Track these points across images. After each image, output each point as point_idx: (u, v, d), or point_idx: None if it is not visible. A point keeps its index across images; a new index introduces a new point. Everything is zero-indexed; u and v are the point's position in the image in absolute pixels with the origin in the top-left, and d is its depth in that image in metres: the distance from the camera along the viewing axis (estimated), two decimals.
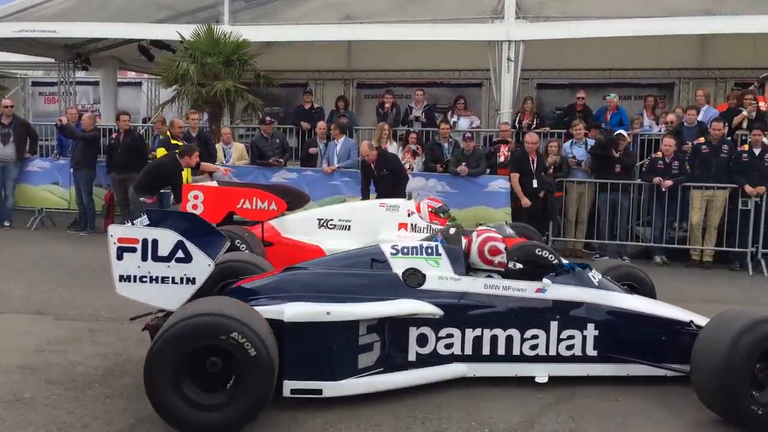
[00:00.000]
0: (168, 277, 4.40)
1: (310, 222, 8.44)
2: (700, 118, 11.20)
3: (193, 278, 4.42)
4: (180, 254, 4.39)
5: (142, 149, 11.50)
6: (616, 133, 10.67)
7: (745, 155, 10.14)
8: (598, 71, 15.15)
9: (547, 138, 11.82)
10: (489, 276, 5.09)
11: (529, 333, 4.94)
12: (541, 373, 4.98)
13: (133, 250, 4.36)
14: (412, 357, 4.79)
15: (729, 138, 10.71)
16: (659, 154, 10.48)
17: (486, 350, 4.90)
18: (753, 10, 11.93)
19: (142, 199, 8.50)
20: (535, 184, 10.33)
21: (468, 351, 4.87)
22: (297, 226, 8.37)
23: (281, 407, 4.35)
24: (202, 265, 4.43)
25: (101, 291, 7.62)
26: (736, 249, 10.05)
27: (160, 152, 10.39)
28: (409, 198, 8.91)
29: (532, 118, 12.38)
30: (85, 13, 14.07)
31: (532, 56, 12.52)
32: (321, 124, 12.12)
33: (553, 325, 4.96)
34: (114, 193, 11.78)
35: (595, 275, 5.32)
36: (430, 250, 5.09)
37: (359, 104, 16.60)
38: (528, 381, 4.95)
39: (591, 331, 5.00)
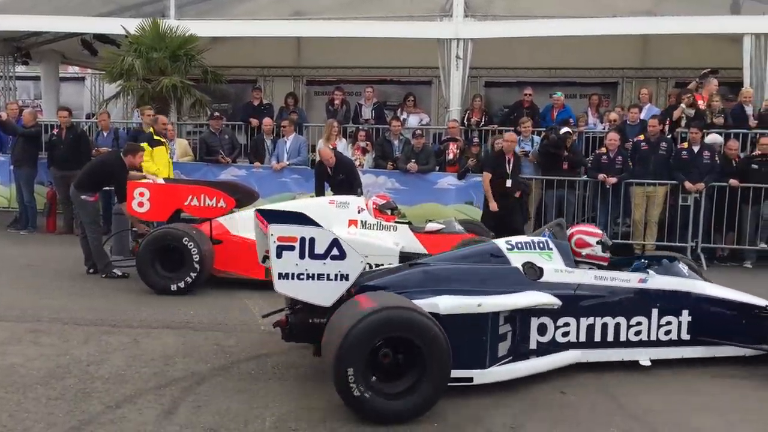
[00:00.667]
0: (323, 274, 4.54)
1: None
2: (642, 116, 11.50)
3: (347, 275, 4.58)
4: (335, 252, 4.54)
5: (85, 146, 11.21)
6: (563, 131, 10.80)
7: (684, 153, 10.45)
8: (544, 70, 15.40)
9: (494, 135, 11.98)
10: (591, 268, 5.62)
11: (634, 320, 5.44)
12: (644, 357, 5.47)
13: (292, 248, 4.49)
14: (533, 345, 5.17)
15: (669, 136, 11.02)
16: (603, 149, 10.72)
17: (597, 337, 5.37)
18: (692, 12, 12.33)
19: (83, 197, 8.28)
20: (509, 184, 10.15)
21: (582, 338, 5.32)
22: (246, 224, 8.25)
23: None
24: (355, 262, 4.60)
25: (43, 292, 7.45)
26: (677, 244, 10.35)
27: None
28: (360, 195, 8.91)
29: (480, 116, 12.52)
30: (26, 7, 13.64)
31: (480, 54, 12.65)
32: (267, 120, 11.97)
33: (654, 313, 5.48)
34: (56, 190, 11.48)
35: (683, 266, 5.90)
36: (541, 245, 5.52)
37: (309, 101, 16.52)
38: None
39: (685, 317, 5.54)
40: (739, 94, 11.48)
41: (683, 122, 11.08)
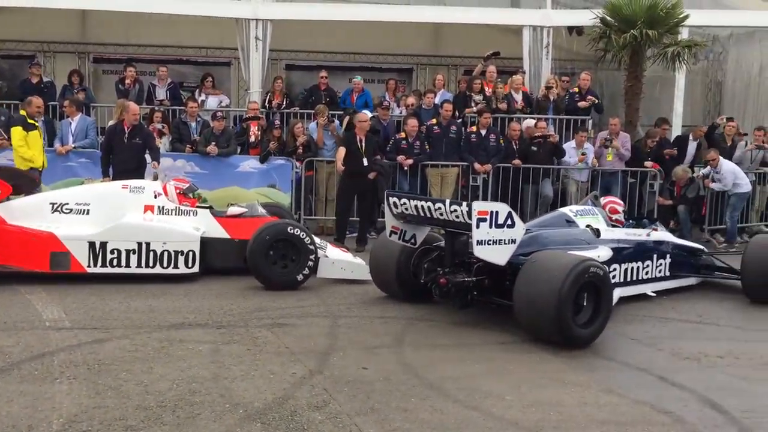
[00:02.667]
0: (503, 239, 5.71)
1: (42, 207, 7.65)
2: (436, 101, 12.06)
3: (514, 239, 5.78)
4: (509, 221, 5.71)
5: None
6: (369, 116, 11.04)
7: (473, 136, 11.15)
8: (344, 54, 15.59)
9: (297, 118, 11.96)
10: (614, 226, 7.44)
11: (646, 263, 7.35)
12: (649, 290, 7.36)
13: (485, 220, 5.60)
14: None
15: (459, 120, 11.68)
16: (402, 134, 11.11)
17: (629, 278, 7.16)
18: (478, 3, 13.15)
19: None
20: (365, 162, 9.80)
21: (620, 279, 6.99)
22: (26, 212, 7.54)
23: None
24: (520, 229, 5.83)
25: None
26: None
27: (16, 132, 9.16)
28: (155, 179, 8.47)
29: (282, 98, 12.42)
30: None
31: (282, 36, 12.55)
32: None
33: (654, 257, 7.46)
34: None
35: (658, 224, 8.21)
36: (592, 212, 7.37)
37: (97, 80, 15.34)
38: (281, 356, 5.04)
39: (667, 259, 7.63)
40: (510, 82, 12.44)
41: (474, 107, 11.80)
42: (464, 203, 5.82)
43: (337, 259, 7.79)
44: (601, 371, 5.18)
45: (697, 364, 5.44)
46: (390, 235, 6.55)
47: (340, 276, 7.73)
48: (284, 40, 13.10)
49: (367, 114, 10.76)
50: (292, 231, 7.37)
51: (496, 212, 5.66)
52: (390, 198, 6.47)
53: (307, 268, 7.37)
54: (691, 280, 8.01)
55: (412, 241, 6.59)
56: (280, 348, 5.42)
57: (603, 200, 7.82)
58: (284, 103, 12.41)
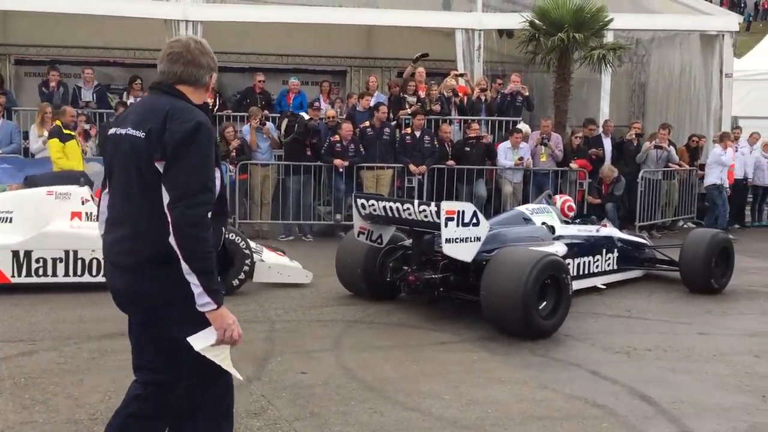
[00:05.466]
0: (469, 237, 5.95)
1: None
2: (372, 103, 12.07)
3: (479, 237, 6.05)
4: (475, 220, 5.98)
5: None
6: (307, 118, 11.01)
7: (408, 137, 11.22)
8: (277, 56, 15.45)
9: (229, 121, 11.79)
10: (567, 223, 7.97)
11: (596, 257, 7.71)
12: (599, 283, 7.72)
13: (453, 219, 5.85)
14: None
15: (394, 122, 11.75)
16: (337, 138, 11.08)
17: (581, 272, 7.47)
18: (410, 6, 13.26)
19: None
20: None
21: (574, 273, 7.07)
22: None
23: None
24: (484, 227, 6.12)
25: None
26: None
27: (53, 144, 8.89)
28: (83, 185, 8.19)
29: (214, 98, 12.16)
30: None
31: (213, 38, 12.23)
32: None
33: (603, 251, 7.81)
34: None
35: (606, 220, 9.06)
36: (546, 210, 7.74)
37: (19, 82, 14.76)
38: None
39: (615, 253, 7.99)
40: (442, 85, 12.58)
41: (408, 108, 11.87)
42: (432, 203, 6.09)
43: (274, 264, 7.71)
44: (537, 368, 5.29)
45: (627, 357, 5.61)
46: (358, 236, 6.77)
47: (277, 280, 7.65)
48: (215, 42, 12.79)
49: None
50: (226, 236, 7.24)
51: (463, 211, 5.93)
52: (358, 199, 6.74)
53: (243, 273, 7.26)
54: (636, 273, 8.46)
55: (379, 240, 6.83)
56: None
57: (559, 199, 8.57)
58: (216, 104, 12.19)
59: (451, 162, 11.25)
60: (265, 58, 15.23)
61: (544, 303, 5.97)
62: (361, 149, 11.05)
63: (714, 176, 12.30)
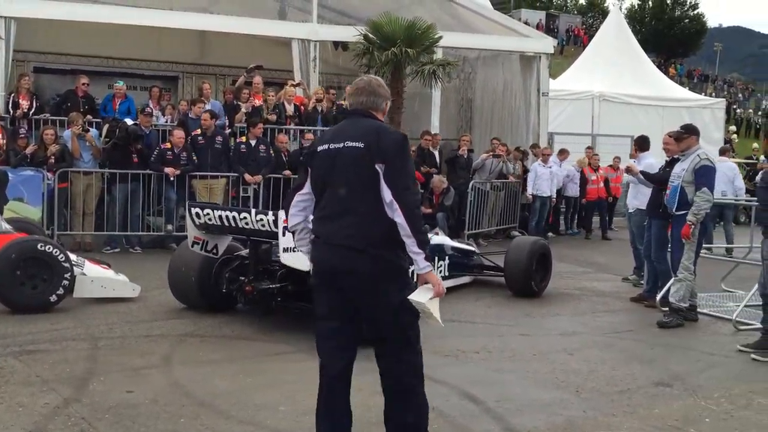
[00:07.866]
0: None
1: None
2: (206, 109, 11.71)
3: None
4: None
5: None
6: (130, 124, 10.50)
7: (243, 146, 11.02)
8: (101, 59, 14.58)
9: (48, 125, 10.94)
10: None
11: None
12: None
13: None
14: None
15: (228, 131, 11.50)
16: (168, 144, 10.65)
17: (415, 279, 7.24)
18: (245, 14, 13.06)
19: None
20: None
21: None
22: None
23: None
24: None
25: None
26: None
27: None
28: None
29: (30, 99, 11.21)
30: None
31: (29, 36, 11.47)
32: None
33: (436, 259, 7.96)
34: None
35: (438, 229, 9.80)
36: None
37: None
38: (32, 386, 4.54)
39: (446, 261, 8.33)
40: (283, 93, 12.54)
41: (243, 117, 11.67)
42: (270, 212, 6.00)
43: (97, 277, 7.23)
44: (372, 373, 5.33)
45: (455, 360, 5.84)
46: (192, 246, 6.57)
47: (100, 295, 7.18)
48: (29, 41, 11.98)
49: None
50: (43, 248, 6.70)
51: None
52: (192, 209, 6.49)
53: (61, 288, 6.73)
54: (465, 279, 8.85)
55: (214, 251, 6.63)
56: (29, 377, 4.91)
57: None
58: (33, 107, 11.26)
59: (287, 172, 11.18)
60: (88, 60, 14.34)
61: None
62: (194, 157, 10.70)
63: (534, 187, 13.34)
